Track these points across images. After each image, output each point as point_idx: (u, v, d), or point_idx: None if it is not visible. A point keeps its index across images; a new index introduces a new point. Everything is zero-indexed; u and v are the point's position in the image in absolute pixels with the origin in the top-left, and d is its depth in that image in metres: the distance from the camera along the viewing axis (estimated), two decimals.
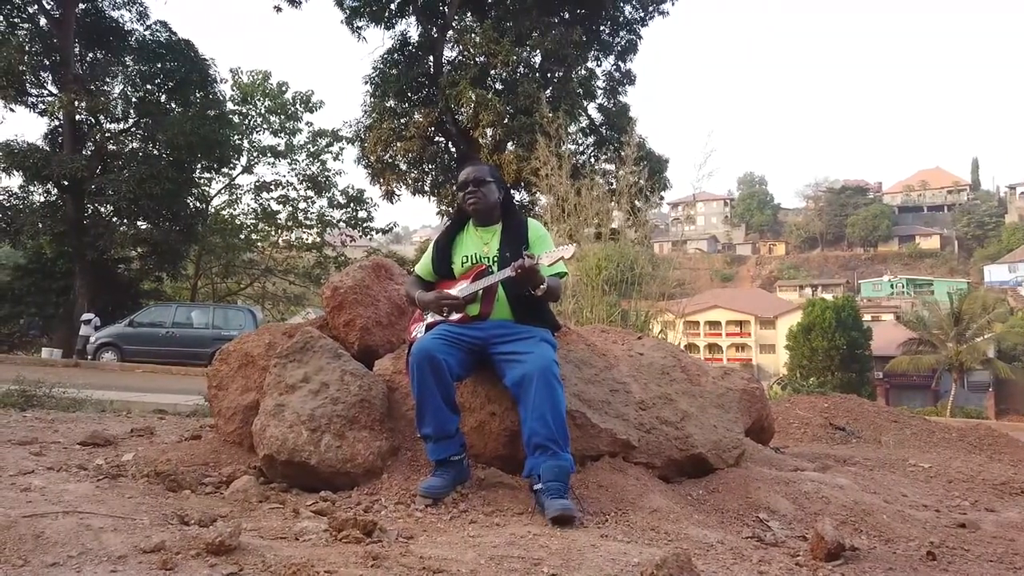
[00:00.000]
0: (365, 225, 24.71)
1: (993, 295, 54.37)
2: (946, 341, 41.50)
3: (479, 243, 3.17)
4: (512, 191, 19.25)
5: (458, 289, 3.08)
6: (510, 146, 17.32)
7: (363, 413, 3.11)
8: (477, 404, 3.12)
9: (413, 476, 3.00)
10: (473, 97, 16.72)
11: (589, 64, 19.36)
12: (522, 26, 17.77)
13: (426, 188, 19.27)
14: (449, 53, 18.78)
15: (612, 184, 18.25)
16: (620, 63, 19.46)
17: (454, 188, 3.32)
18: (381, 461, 3.03)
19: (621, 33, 19.21)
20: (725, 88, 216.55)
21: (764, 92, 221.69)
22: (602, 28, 19.15)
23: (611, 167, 20.34)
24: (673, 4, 18.51)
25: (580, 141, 20.18)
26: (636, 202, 15.00)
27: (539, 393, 2.72)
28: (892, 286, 66.21)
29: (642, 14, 18.83)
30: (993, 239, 72.40)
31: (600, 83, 19.91)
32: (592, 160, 20.39)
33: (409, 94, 18.53)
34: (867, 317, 46.98)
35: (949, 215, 79.30)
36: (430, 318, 3.13)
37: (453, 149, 18.96)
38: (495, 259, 3.09)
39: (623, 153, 20.50)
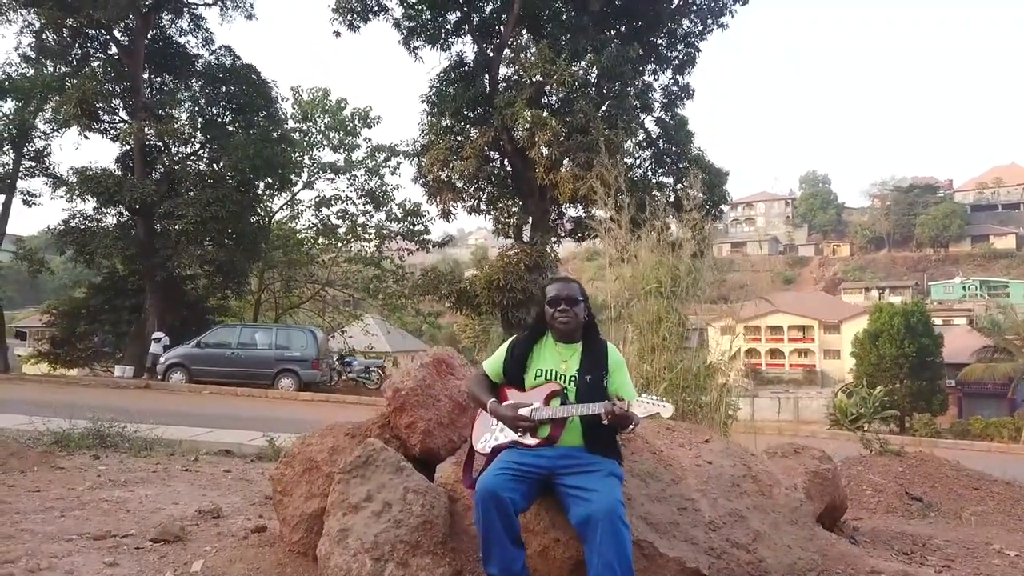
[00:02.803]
0: (422, 238, 24.94)
1: None
2: (1022, 347, 39.71)
3: (558, 359, 3.11)
4: (568, 207, 19.17)
5: (531, 409, 3.02)
6: (566, 163, 17.21)
7: (425, 536, 3.07)
8: (541, 528, 3.06)
9: None
10: (529, 116, 16.68)
11: (646, 78, 19.10)
12: (578, 44, 17.63)
13: (482, 207, 19.32)
14: (504, 71, 18.79)
15: (670, 198, 18.00)
16: (678, 77, 19.15)
17: (546, 302, 3.26)
18: None
19: (679, 47, 18.89)
20: (788, 85, 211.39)
21: (829, 88, 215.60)
22: (659, 42, 18.86)
23: (669, 180, 20.07)
24: (733, 16, 18.14)
25: (637, 155, 19.94)
26: (695, 213, 14.77)
27: (605, 538, 2.65)
28: (965, 288, 63.56)
29: (700, 28, 18.49)
30: None
31: (657, 96, 19.64)
32: (650, 174, 20.14)
33: (465, 112, 18.59)
34: (938, 321, 45.26)
35: None
36: (500, 432, 3.08)
37: (509, 167, 18.95)
38: (572, 379, 3.03)
39: (681, 166, 20.22)
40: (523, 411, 3.01)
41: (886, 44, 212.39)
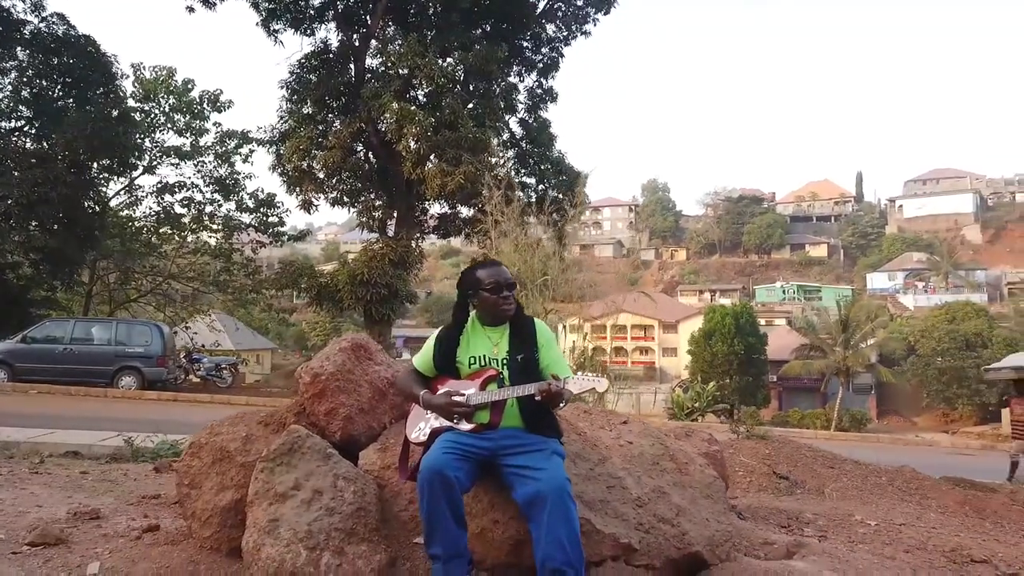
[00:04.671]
0: (276, 230, 23.87)
1: (875, 302, 58.17)
2: (834, 346, 44.01)
3: (488, 344, 3.08)
4: (434, 203, 19.08)
5: (467, 394, 2.98)
6: (433, 158, 17.13)
7: (360, 523, 2.97)
8: (480, 510, 3.03)
9: None
10: (396, 109, 16.45)
11: (512, 79, 19.41)
12: (446, 40, 17.62)
13: (345, 199, 18.83)
14: (372, 62, 18.40)
15: (531, 197, 18.38)
16: (542, 80, 19.62)
17: (462, 283, 3.18)
18: None
19: (543, 51, 19.37)
20: (636, 95, 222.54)
21: (670, 102, 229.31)
22: (525, 45, 19.23)
23: (531, 180, 20.50)
24: (595, 25, 18.82)
25: (501, 154, 20.21)
26: (555, 215, 15.19)
27: (554, 514, 2.67)
28: (784, 292, 69.74)
29: (565, 33, 19.06)
30: (875, 249, 77.45)
31: (522, 98, 20.02)
32: (513, 174, 20.47)
33: (329, 101, 18.04)
34: (762, 322, 49.20)
35: (836, 225, 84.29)
36: (435, 420, 3.02)
37: (374, 160, 18.59)
38: (505, 362, 3.02)
39: (543, 168, 20.69)
40: (458, 398, 2.98)
41: (720, 61, 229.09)
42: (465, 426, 2.94)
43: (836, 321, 43.94)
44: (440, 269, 76.34)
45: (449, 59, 17.91)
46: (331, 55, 18.23)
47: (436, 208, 20.11)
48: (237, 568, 3.01)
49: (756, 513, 5.24)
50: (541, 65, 19.36)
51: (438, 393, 3.05)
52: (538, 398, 2.79)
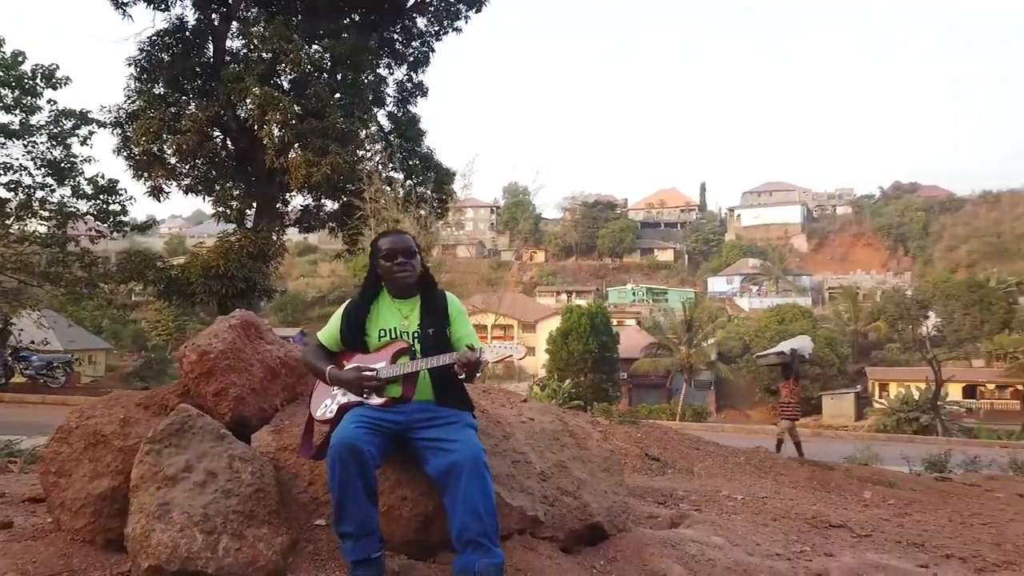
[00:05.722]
0: (118, 219, 22.03)
1: (715, 304, 62.27)
2: (679, 345, 46.69)
3: (398, 316, 3.00)
4: (297, 195, 18.40)
5: (377, 367, 2.89)
6: (297, 147, 16.48)
7: (260, 506, 2.82)
8: (387, 488, 2.96)
9: (320, 574, 2.78)
10: (259, 94, 15.67)
11: (381, 71, 19.06)
12: (313, 26, 17.03)
13: (200, 187, 17.72)
14: (232, 44, 17.44)
15: (399, 193, 18.15)
16: (412, 74, 19.39)
17: (372, 254, 3.08)
18: (283, 559, 2.76)
19: (414, 44, 19.14)
20: (500, 100, 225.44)
21: (534, 106, 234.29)
22: (395, 37, 18.94)
23: (399, 176, 20.21)
24: (467, 22, 18.83)
25: (369, 147, 19.80)
26: (422, 211, 15.10)
27: (471, 484, 2.65)
28: (634, 294, 73.15)
29: (436, 28, 18.92)
30: (715, 254, 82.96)
31: (391, 91, 19.70)
32: (381, 168, 20.10)
33: (184, 83, 16.91)
34: (614, 322, 51.31)
35: (681, 232, 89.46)
36: (342, 396, 2.91)
37: (233, 147, 17.62)
38: (416, 334, 2.96)
39: (411, 163, 20.50)
40: (367, 372, 2.89)
41: (576, 75, 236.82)
42: (376, 400, 2.86)
43: (681, 322, 46.65)
44: (296, 266, 73.71)
45: (316, 46, 17.31)
46: (187, 33, 17.09)
47: (299, 200, 19.38)
48: (117, 559, 2.76)
49: (634, 491, 5.44)
50: (411, 59, 19.12)
51: (346, 368, 2.94)
52: (456, 368, 2.76)
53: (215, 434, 2.92)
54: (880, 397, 43.24)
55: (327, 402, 2.95)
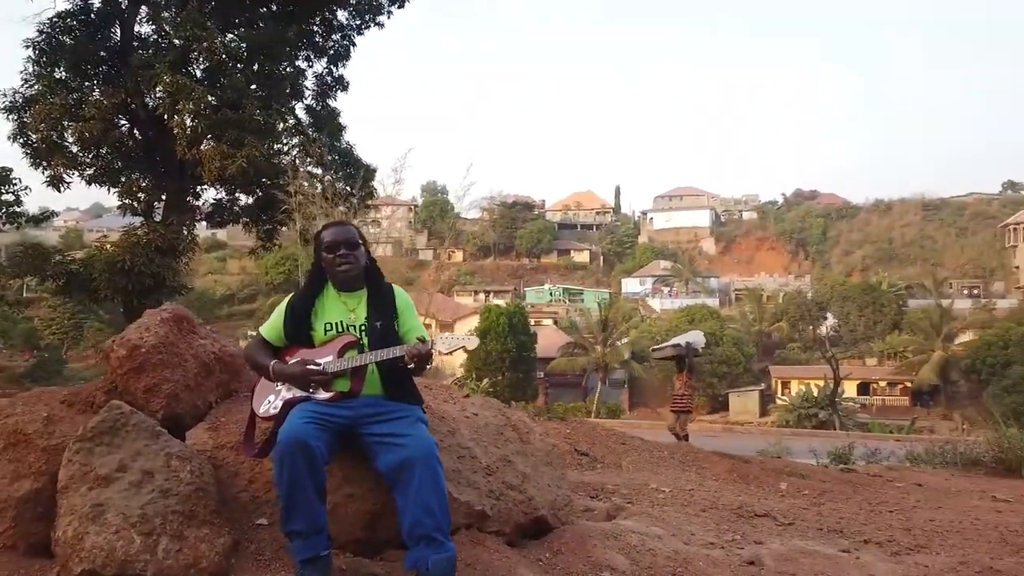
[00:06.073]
0: (11, 210, 20.68)
1: (629, 304, 63.74)
2: (595, 344, 47.59)
3: (344, 310, 2.94)
4: (209, 188, 17.75)
5: (324, 362, 2.83)
6: (209, 138, 15.87)
7: (200, 505, 2.71)
8: (333, 485, 2.90)
9: (265, 575, 2.70)
10: (170, 82, 14.99)
11: (300, 64, 18.56)
12: (228, 14, 16.44)
13: (104, 178, 16.79)
14: (142, 29, 16.62)
15: (318, 189, 17.76)
16: (332, 67, 18.94)
17: (316, 247, 3.00)
18: (226, 560, 2.67)
19: (334, 37, 18.72)
20: (419, 99, 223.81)
21: (449, 104, 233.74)
22: (315, 30, 18.48)
23: (318, 171, 19.75)
24: (389, 17, 18.54)
25: (286, 141, 19.27)
26: (342, 208, 14.82)
27: (424, 480, 2.63)
28: (551, 294, 74.04)
29: (358, 22, 18.55)
30: (629, 256, 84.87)
31: (310, 84, 19.21)
32: (298, 162, 19.60)
33: (88, 68, 15.99)
34: (532, 322, 51.83)
35: (597, 233, 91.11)
36: (287, 391, 2.83)
37: (140, 136, 16.80)
38: (363, 328, 2.91)
39: (330, 158, 20.12)
40: (313, 367, 2.83)
41: (494, 77, 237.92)
42: (322, 395, 2.80)
43: (597, 321, 47.56)
44: (204, 263, 70.98)
45: (232, 35, 16.70)
46: (93, 16, 16.16)
47: (212, 193, 18.65)
48: (42, 565, 2.61)
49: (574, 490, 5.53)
50: (332, 52, 18.68)
51: (291, 363, 2.87)
52: (406, 360, 2.73)
53: (150, 432, 2.79)
54: (782, 394, 45.30)
55: (271, 398, 2.86)
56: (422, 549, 2.58)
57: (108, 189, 17.05)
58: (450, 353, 2.95)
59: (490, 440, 3.52)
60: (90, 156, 16.54)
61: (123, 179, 17.30)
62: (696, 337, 10.08)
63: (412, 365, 2.76)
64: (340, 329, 2.92)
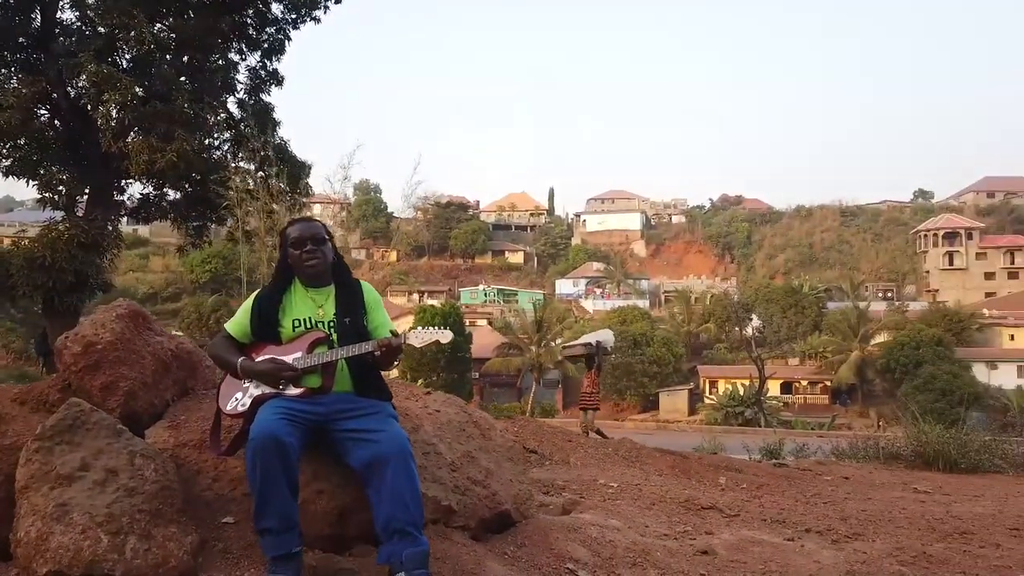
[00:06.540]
0: None
1: (563, 305, 64.36)
2: (530, 345, 47.89)
3: (312, 306, 2.93)
4: (135, 183, 17.14)
5: (293, 358, 2.81)
6: (136, 132, 15.32)
7: (167, 504, 2.66)
8: (302, 482, 2.88)
9: (234, 573, 2.67)
10: (95, 71, 14.39)
11: (232, 56, 18.08)
12: (157, 2, 15.89)
13: (21, 170, 16.00)
14: (65, 16, 15.90)
15: (250, 185, 17.36)
16: (266, 61, 18.51)
17: (282, 243, 2.98)
18: (194, 559, 2.63)
19: (269, 30, 18.29)
20: (353, 95, 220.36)
21: (383, 102, 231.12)
22: (248, 22, 18.03)
23: (251, 167, 19.27)
24: (326, 12, 18.25)
25: (217, 135, 18.74)
26: (275, 205, 14.55)
27: (398, 475, 2.65)
28: (486, 294, 74.13)
29: (293, 16, 18.20)
30: (563, 257, 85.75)
31: (242, 77, 18.73)
32: (230, 157, 19.09)
33: (6, 55, 15.22)
34: (467, 323, 51.81)
35: (531, 235, 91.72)
36: (255, 388, 2.80)
37: (62, 127, 16.08)
38: (331, 324, 2.90)
39: (264, 154, 19.72)
40: (283, 363, 2.81)
41: (430, 75, 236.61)
42: (292, 391, 2.78)
43: (532, 322, 47.85)
44: (126, 260, 68.23)
45: (160, 24, 16.15)
46: (10, 1, 15.39)
47: (138, 188, 17.98)
48: (2, 568, 2.51)
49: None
50: (266, 46, 18.26)
51: (259, 359, 2.84)
52: (377, 355, 2.74)
53: (111, 430, 2.72)
54: (710, 393, 46.59)
55: (238, 395, 2.83)
56: (396, 543, 2.59)
57: (27, 182, 16.26)
58: (423, 347, 2.97)
59: (453, 436, 3.55)
60: (7, 147, 15.76)
61: (42, 172, 16.52)
62: (606, 336, 10.28)
63: (379, 353, 2.77)
64: (309, 325, 2.90)
